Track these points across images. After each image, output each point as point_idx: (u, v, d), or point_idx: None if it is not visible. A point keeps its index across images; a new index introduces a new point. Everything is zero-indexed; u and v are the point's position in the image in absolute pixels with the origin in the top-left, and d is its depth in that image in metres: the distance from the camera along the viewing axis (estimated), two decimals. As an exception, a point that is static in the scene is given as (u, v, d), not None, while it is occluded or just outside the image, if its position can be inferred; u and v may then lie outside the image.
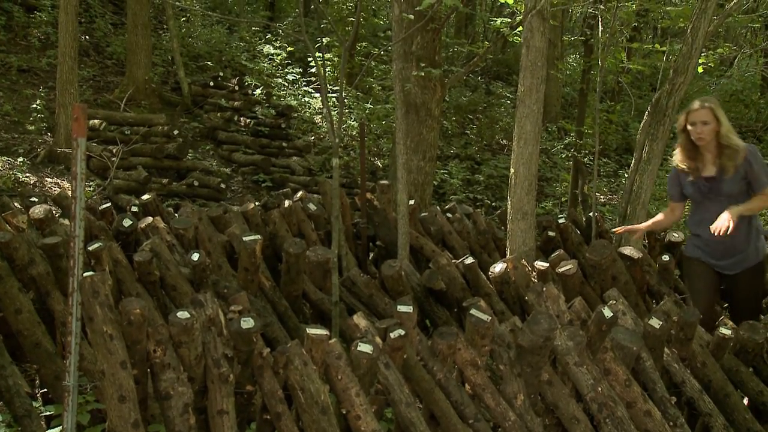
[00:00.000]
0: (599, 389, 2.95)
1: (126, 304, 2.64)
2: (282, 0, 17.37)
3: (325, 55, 12.65)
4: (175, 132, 9.67)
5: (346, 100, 12.02)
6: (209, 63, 12.79)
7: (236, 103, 11.14)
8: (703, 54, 6.45)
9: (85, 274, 2.64)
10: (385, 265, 4.39)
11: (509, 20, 7.71)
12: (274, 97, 11.96)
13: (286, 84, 13.13)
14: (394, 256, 4.97)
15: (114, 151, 8.66)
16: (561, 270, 4.32)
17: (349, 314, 4.07)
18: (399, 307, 3.07)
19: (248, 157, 10.26)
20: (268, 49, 14.00)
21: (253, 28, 14.74)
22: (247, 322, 2.78)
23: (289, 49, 14.08)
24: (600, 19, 6.92)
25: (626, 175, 6.64)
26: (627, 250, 4.69)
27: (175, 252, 4.44)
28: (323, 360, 2.78)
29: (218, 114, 11.12)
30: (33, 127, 9.24)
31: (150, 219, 4.78)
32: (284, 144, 10.85)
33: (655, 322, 3.17)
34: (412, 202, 5.54)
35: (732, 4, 6.04)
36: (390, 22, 10.81)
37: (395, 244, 5.01)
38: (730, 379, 3.41)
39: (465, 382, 3.01)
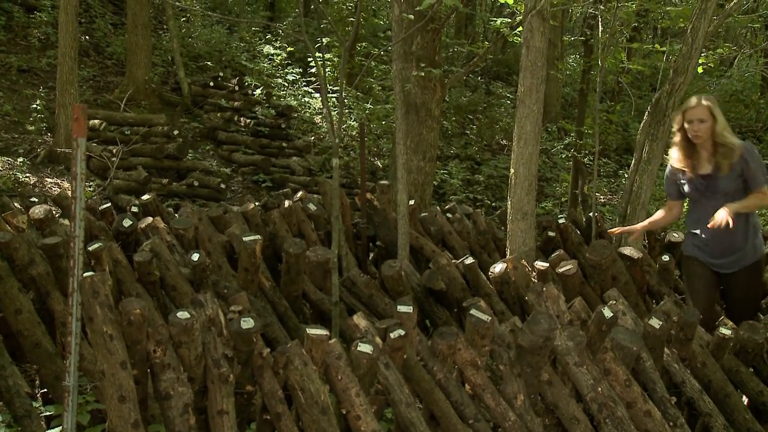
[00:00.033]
0: (599, 389, 2.95)
1: (126, 304, 2.64)
2: (282, 0, 17.37)
3: (325, 55, 12.65)
4: (175, 132, 9.67)
5: (346, 100, 12.02)
6: (209, 63, 12.80)
7: (236, 104, 11.14)
8: (703, 54, 6.45)
9: (85, 275, 2.64)
10: (385, 265, 4.39)
11: (509, 20, 7.72)
12: (274, 98, 11.97)
13: (286, 84, 13.13)
14: (394, 256, 4.97)
15: (114, 151, 8.66)
16: (561, 270, 4.32)
17: (349, 314, 4.06)
18: (399, 307, 3.07)
19: (248, 158, 10.26)
20: (268, 49, 14.00)
21: (253, 28, 14.75)
22: (247, 323, 2.78)
23: (289, 49, 14.08)
24: (600, 19, 6.92)
25: (626, 175, 6.64)
26: (627, 251, 4.69)
27: (175, 252, 4.44)
28: (323, 360, 2.78)
29: (218, 114, 11.13)
30: (33, 127, 9.24)
31: (150, 219, 4.78)
32: (284, 144, 10.85)
33: (655, 322, 3.17)
34: (412, 202, 5.54)
35: (732, 4, 6.04)
36: (390, 22, 10.82)
37: (395, 244, 5.01)
38: (730, 379, 3.41)
39: (465, 383, 3.01)
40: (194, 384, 2.72)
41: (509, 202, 4.91)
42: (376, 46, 14.26)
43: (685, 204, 4.34)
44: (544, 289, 3.45)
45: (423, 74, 6.40)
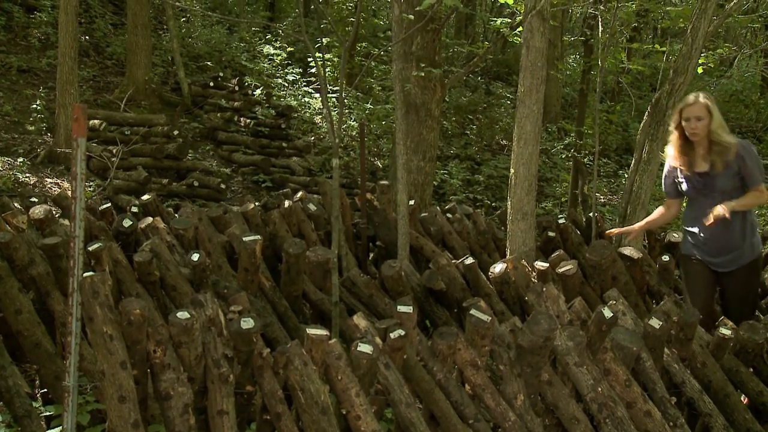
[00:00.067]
0: (599, 389, 2.95)
1: (126, 304, 2.64)
2: (282, 0, 17.37)
3: (325, 56, 12.65)
4: (175, 132, 9.67)
5: (346, 101, 12.02)
6: (209, 63, 12.80)
7: (236, 104, 11.14)
8: (703, 54, 6.45)
9: (85, 275, 2.64)
10: (385, 265, 4.39)
11: (509, 20, 7.72)
12: (274, 98, 11.97)
13: (286, 84, 13.13)
14: (394, 256, 4.97)
15: (114, 151, 8.66)
16: (561, 270, 4.32)
17: (349, 314, 4.07)
18: (399, 307, 3.07)
19: (248, 158, 10.26)
20: (268, 49, 14.00)
21: (253, 29, 14.75)
22: (247, 323, 2.78)
23: (289, 49, 14.08)
24: (600, 19, 6.92)
25: (626, 175, 6.64)
26: (627, 251, 4.69)
27: (175, 252, 4.44)
28: (323, 360, 2.78)
29: (218, 114, 11.13)
30: (33, 128, 9.24)
31: (150, 219, 4.78)
32: (284, 144, 10.85)
33: (655, 323, 3.17)
34: (412, 202, 5.54)
35: (732, 4, 6.04)
36: (390, 22, 10.82)
37: (395, 245, 5.01)
38: (730, 379, 3.41)
39: (465, 383, 3.01)
40: (194, 384, 2.72)
41: (509, 202, 4.91)
42: (376, 46, 14.27)
43: (684, 203, 4.34)
44: (544, 289, 3.45)
45: (423, 74, 6.40)
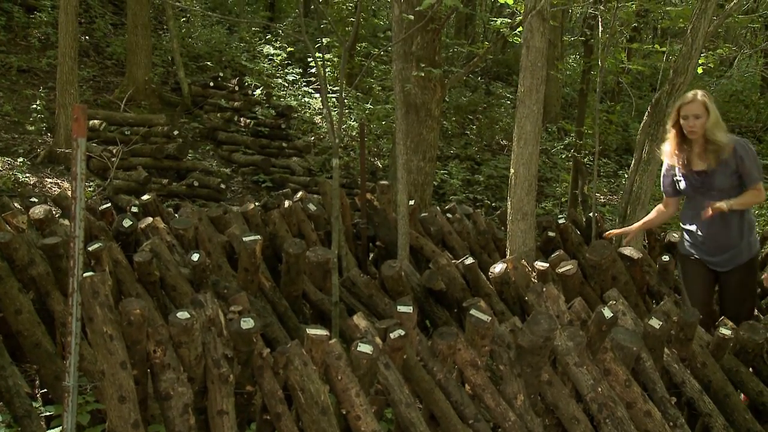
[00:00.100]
0: (599, 389, 2.95)
1: (126, 304, 2.64)
2: (282, 0, 17.37)
3: (325, 56, 12.65)
4: (175, 132, 9.67)
5: (346, 101, 12.02)
6: (209, 63, 12.80)
7: (236, 104, 11.14)
8: (703, 54, 6.45)
9: (85, 275, 2.64)
10: (385, 265, 4.39)
11: (509, 20, 7.71)
12: (274, 98, 11.96)
13: (286, 84, 13.13)
14: (394, 256, 4.97)
15: (114, 151, 8.66)
16: (561, 270, 4.32)
17: (349, 314, 4.06)
18: (399, 307, 3.07)
19: (248, 158, 10.26)
20: (268, 49, 14.00)
21: (253, 29, 14.74)
22: (247, 323, 2.78)
23: (289, 49, 14.08)
24: (600, 19, 6.92)
25: (626, 176, 6.64)
26: (627, 251, 4.69)
27: (175, 252, 4.44)
28: (323, 360, 2.78)
29: (218, 114, 11.13)
30: (33, 128, 9.24)
31: (150, 219, 4.78)
32: (284, 144, 10.85)
33: (655, 323, 3.17)
34: (412, 202, 5.54)
35: (732, 4, 6.04)
36: (390, 22, 10.82)
37: (395, 245, 5.01)
38: (730, 379, 3.41)
39: (465, 383, 3.01)
40: (194, 384, 2.72)
41: (509, 203, 4.91)
42: (376, 46, 14.27)
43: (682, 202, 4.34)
44: (544, 289, 3.45)
45: (423, 74, 6.40)
